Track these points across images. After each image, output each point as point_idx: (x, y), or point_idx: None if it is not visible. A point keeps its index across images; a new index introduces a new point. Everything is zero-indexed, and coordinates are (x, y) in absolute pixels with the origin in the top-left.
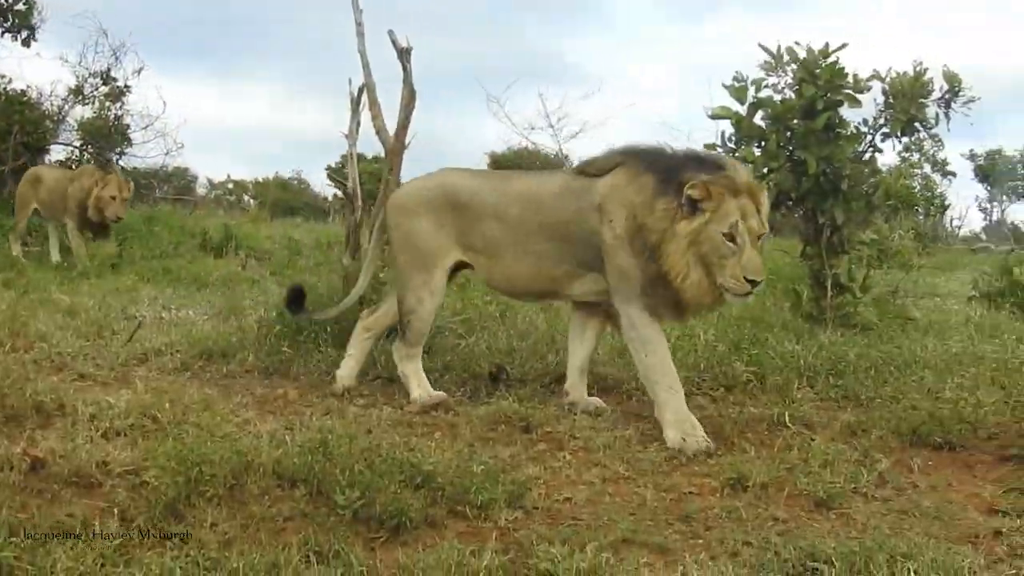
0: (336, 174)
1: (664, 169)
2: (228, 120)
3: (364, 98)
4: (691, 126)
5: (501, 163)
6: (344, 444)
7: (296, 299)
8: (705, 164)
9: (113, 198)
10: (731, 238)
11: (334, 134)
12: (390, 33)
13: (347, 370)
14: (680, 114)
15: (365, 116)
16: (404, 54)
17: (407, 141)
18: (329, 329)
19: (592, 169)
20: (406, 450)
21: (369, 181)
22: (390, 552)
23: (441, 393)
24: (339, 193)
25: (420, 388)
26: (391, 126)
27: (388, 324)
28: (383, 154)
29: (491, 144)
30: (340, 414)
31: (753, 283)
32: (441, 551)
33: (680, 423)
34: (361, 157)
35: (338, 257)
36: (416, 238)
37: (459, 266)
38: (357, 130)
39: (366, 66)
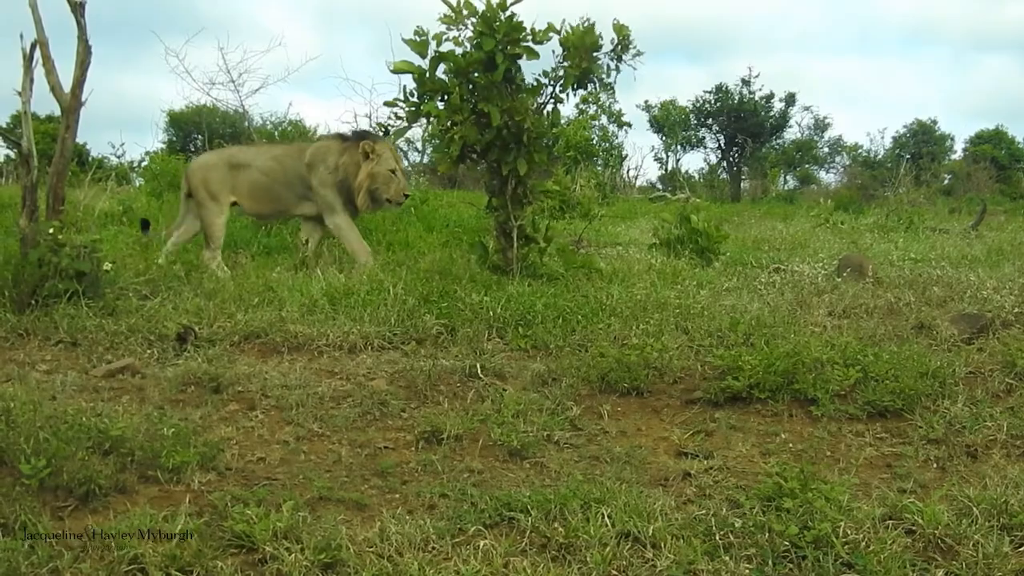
0: (9, 134)
1: None
2: None
3: (37, 54)
4: (374, 80)
5: (180, 121)
6: (28, 411)
7: None
8: None
9: (393, 172)
10: None
11: (5, 92)
12: None
13: None
14: (363, 69)
15: (39, 73)
16: (77, 8)
17: (84, 98)
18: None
19: None
20: (93, 416)
21: (42, 141)
22: (80, 520)
23: None
24: (12, 154)
25: None
26: (66, 83)
27: None
28: (57, 113)
29: (170, 101)
30: (22, 380)
31: None
32: (133, 517)
33: None
34: (33, 116)
35: (14, 220)
36: None
37: None
38: (31, 88)
39: (38, 21)
